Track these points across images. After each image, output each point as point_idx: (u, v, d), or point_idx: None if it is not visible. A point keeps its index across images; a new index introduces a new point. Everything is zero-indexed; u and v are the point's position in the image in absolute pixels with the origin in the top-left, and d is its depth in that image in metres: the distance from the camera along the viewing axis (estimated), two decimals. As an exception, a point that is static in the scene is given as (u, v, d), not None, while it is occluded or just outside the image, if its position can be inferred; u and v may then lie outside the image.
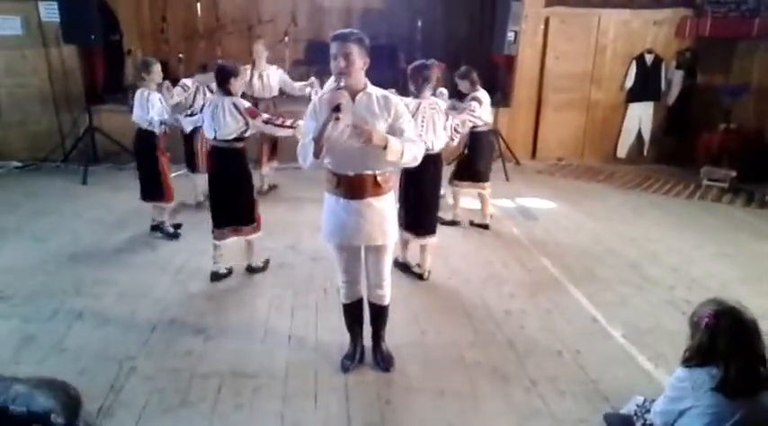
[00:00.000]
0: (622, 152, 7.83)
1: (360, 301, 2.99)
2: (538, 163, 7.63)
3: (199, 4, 8.52)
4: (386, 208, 2.71)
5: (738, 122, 6.94)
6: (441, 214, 4.56)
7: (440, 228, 4.99)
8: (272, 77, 5.71)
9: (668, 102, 7.72)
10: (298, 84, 5.69)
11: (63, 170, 6.62)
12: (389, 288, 2.91)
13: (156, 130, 4.43)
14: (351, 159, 2.56)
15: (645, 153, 7.82)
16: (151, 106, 4.35)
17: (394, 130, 2.55)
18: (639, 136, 7.78)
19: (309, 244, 4.52)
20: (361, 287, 2.94)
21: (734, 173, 6.49)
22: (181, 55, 7.55)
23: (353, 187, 2.61)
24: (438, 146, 3.94)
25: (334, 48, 2.46)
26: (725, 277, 4.25)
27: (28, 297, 3.66)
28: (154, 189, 4.61)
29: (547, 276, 4.23)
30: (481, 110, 4.69)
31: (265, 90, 5.69)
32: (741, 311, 1.96)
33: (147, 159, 4.56)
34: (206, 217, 4.05)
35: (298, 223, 5.04)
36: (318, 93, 4.42)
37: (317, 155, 2.45)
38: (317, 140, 2.43)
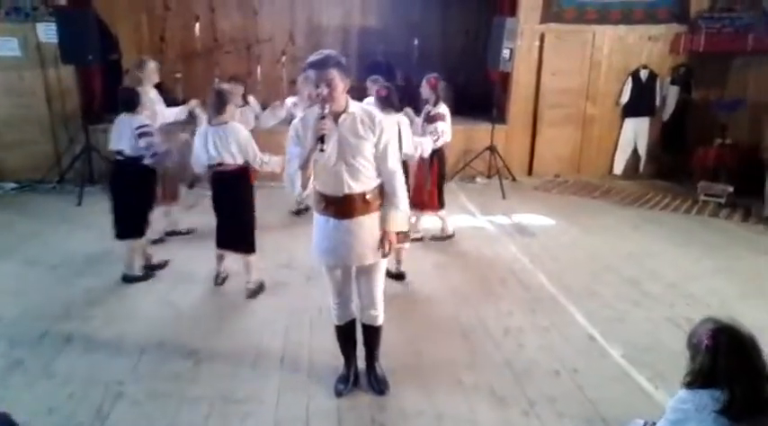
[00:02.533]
0: (619, 168, 7.82)
1: (352, 322, 2.94)
2: (534, 179, 7.62)
3: (197, 24, 8.61)
4: (376, 225, 2.68)
5: (734, 137, 6.93)
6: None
7: (433, 246, 5.01)
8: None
9: (664, 118, 7.73)
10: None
11: (58, 191, 6.60)
12: (382, 309, 2.87)
13: (153, 156, 3.92)
14: (338, 182, 2.55)
15: (641, 168, 7.81)
16: (143, 119, 3.97)
17: (379, 147, 2.56)
18: (635, 151, 7.78)
19: (303, 261, 4.47)
20: (353, 307, 2.90)
21: (731, 189, 6.47)
22: (178, 74, 7.59)
23: (343, 207, 2.59)
24: (404, 152, 3.97)
25: (313, 75, 2.44)
26: (724, 293, 4.20)
27: (16, 320, 3.62)
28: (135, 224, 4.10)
29: (545, 293, 4.18)
30: (447, 128, 4.72)
31: None
32: (738, 329, 1.91)
33: (134, 192, 4.03)
34: (195, 239, 4.06)
35: (291, 240, 4.98)
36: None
37: (304, 185, 2.51)
38: (304, 169, 2.47)
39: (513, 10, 7.32)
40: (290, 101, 5.53)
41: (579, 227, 5.69)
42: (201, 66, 8.63)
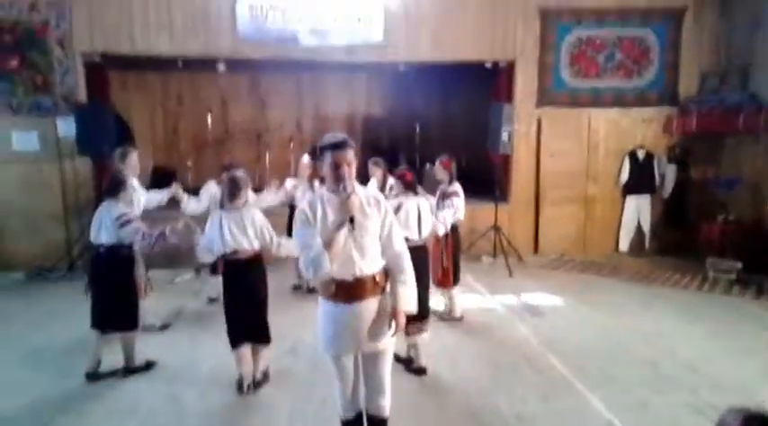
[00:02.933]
0: (624, 245, 7.83)
1: (360, 415, 2.82)
2: (540, 258, 7.62)
3: (210, 116, 9.06)
4: (384, 307, 2.66)
5: (736, 213, 6.99)
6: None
7: (442, 329, 4.91)
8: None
9: (664, 195, 7.85)
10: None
11: (68, 279, 6.61)
12: (390, 397, 2.77)
13: (137, 244, 3.87)
14: (349, 263, 2.55)
15: (647, 245, 7.82)
16: (128, 206, 4.03)
17: (385, 229, 2.61)
18: (639, 228, 7.83)
19: (309, 347, 4.39)
20: (360, 399, 2.80)
21: (740, 265, 6.42)
22: (189, 163, 7.86)
23: (354, 290, 2.57)
24: (425, 234, 4.17)
25: (334, 156, 2.52)
26: (746, 375, 4.05)
27: (12, 419, 3.49)
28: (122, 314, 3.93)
29: (558, 377, 4.04)
30: (461, 205, 4.92)
31: None
32: None
33: (115, 282, 3.91)
34: (197, 321, 3.98)
35: (296, 323, 4.85)
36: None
37: (331, 263, 2.47)
38: (330, 248, 2.46)
39: (509, 96, 7.69)
40: (289, 183, 5.67)
41: (589, 306, 5.60)
42: (212, 155, 8.97)
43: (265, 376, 3.94)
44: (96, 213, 3.94)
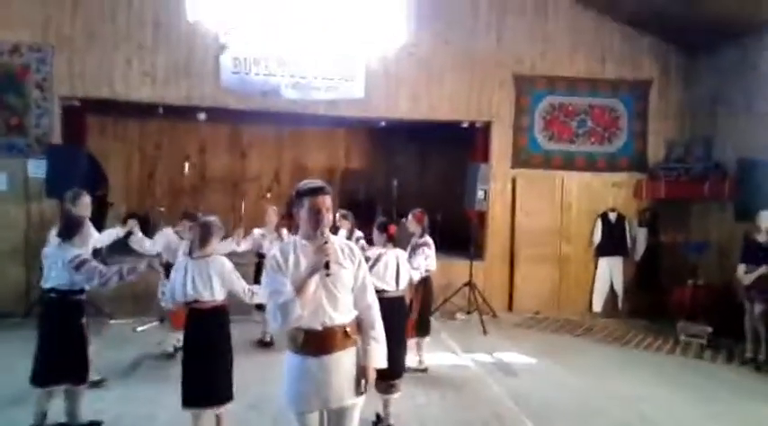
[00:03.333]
0: (597, 306, 7.85)
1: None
2: (515, 316, 7.56)
3: (187, 163, 9.03)
4: (355, 361, 2.54)
5: (706, 278, 7.11)
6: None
7: (412, 386, 4.75)
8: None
9: (636, 258, 7.97)
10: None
11: (23, 325, 6.24)
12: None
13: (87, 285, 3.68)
14: (319, 312, 2.45)
15: (620, 307, 7.85)
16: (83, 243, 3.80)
17: (358, 280, 2.55)
18: (612, 290, 7.88)
19: (273, 401, 4.15)
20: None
21: (710, 329, 6.46)
22: (162, 208, 7.72)
23: (321, 342, 2.45)
24: (402, 285, 4.16)
25: (312, 201, 2.45)
26: (720, 440, 3.97)
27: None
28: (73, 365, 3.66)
29: (531, 440, 3.90)
30: (432, 256, 5.01)
31: None
32: None
33: (66, 329, 3.68)
34: (158, 372, 3.73)
35: (258, 376, 4.62)
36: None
37: (302, 308, 2.35)
38: (302, 294, 2.36)
39: (485, 155, 7.88)
40: (257, 231, 5.67)
41: (563, 367, 5.51)
42: (187, 202, 8.86)
43: None
44: (46, 255, 3.71)
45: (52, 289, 3.64)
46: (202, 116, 8.40)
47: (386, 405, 3.96)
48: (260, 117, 8.43)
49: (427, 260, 4.88)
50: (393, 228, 4.22)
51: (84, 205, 4.44)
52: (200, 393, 3.48)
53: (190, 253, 3.64)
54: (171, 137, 9.39)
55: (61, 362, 3.61)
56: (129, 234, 5.11)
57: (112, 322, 6.22)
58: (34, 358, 3.66)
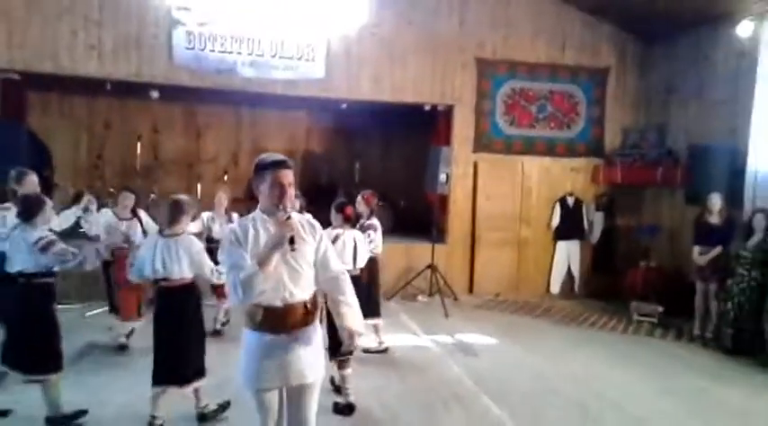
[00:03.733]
0: (555, 288, 8.01)
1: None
2: (475, 298, 7.62)
3: (139, 143, 8.64)
4: (314, 339, 2.49)
5: (658, 260, 7.34)
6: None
7: (372, 368, 4.72)
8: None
9: (592, 241, 8.15)
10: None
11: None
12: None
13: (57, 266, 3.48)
14: (280, 287, 2.36)
15: (576, 288, 8.03)
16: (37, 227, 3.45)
17: (319, 253, 2.49)
18: (570, 272, 8.04)
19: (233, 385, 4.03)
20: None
21: (661, 309, 6.68)
22: (112, 189, 7.37)
23: (281, 319, 2.37)
24: (360, 264, 4.31)
25: (275, 174, 2.36)
26: (671, 415, 4.09)
27: None
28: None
29: (491, 419, 3.92)
30: (379, 239, 5.02)
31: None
32: None
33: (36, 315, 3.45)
34: (107, 358, 3.55)
35: (219, 361, 4.52)
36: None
37: (265, 282, 2.27)
38: (265, 267, 2.26)
39: (447, 140, 7.85)
40: (206, 215, 5.54)
41: (522, 347, 5.58)
42: (140, 184, 8.47)
43: (223, 406, 3.68)
44: (9, 241, 3.46)
45: (19, 274, 3.37)
46: (155, 94, 8.01)
47: (343, 381, 3.94)
48: (216, 96, 8.12)
49: (372, 243, 4.81)
50: (350, 209, 4.28)
51: (31, 184, 4.12)
52: (170, 370, 3.43)
53: (160, 231, 3.62)
54: (121, 115, 8.94)
55: (32, 352, 3.39)
56: (85, 209, 4.82)
57: (60, 307, 5.87)
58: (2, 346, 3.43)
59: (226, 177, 8.79)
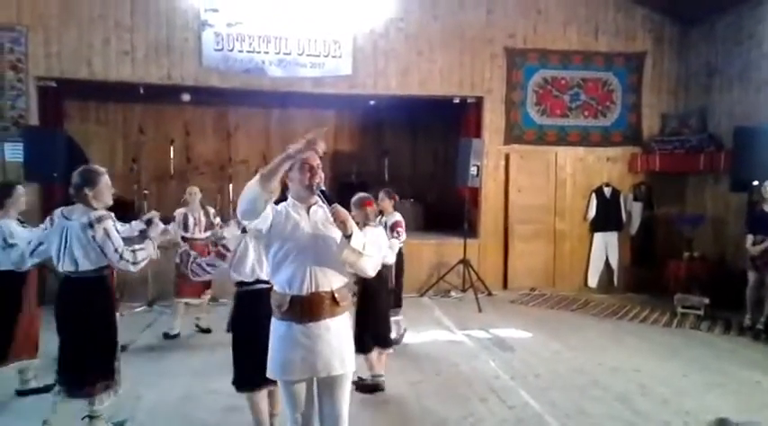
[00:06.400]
0: (593, 281, 7.77)
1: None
2: (510, 293, 7.46)
3: (172, 147, 8.81)
4: (344, 330, 2.44)
5: (701, 250, 7.03)
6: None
7: (408, 364, 4.65)
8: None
9: (631, 232, 7.88)
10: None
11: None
12: (348, 433, 2.48)
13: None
14: (306, 277, 2.33)
15: (615, 282, 7.77)
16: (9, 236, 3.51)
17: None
18: (608, 265, 7.79)
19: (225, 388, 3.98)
20: (315, 431, 2.51)
21: (707, 300, 6.38)
22: (146, 191, 7.53)
23: (309, 307, 2.34)
24: (390, 260, 4.32)
25: (308, 159, 2.35)
26: (720, 408, 3.87)
27: None
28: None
29: (530, 413, 3.79)
30: (403, 233, 4.92)
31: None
32: None
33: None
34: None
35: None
36: None
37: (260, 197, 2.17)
38: (268, 171, 2.17)
39: (478, 131, 7.71)
40: (179, 212, 5.39)
41: (559, 341, 5.42)
42: (174, 187, 8.64)
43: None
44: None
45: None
46: (186, 97, 8.19)
47: (370, 366, 4.05)
48: (246, 97, 8.22)
49: (399, 239, 4.80)
50: (371, 203, 4.13)
51: (19, 196, 3.79)
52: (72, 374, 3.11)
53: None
54: (155, 120, 9.14)
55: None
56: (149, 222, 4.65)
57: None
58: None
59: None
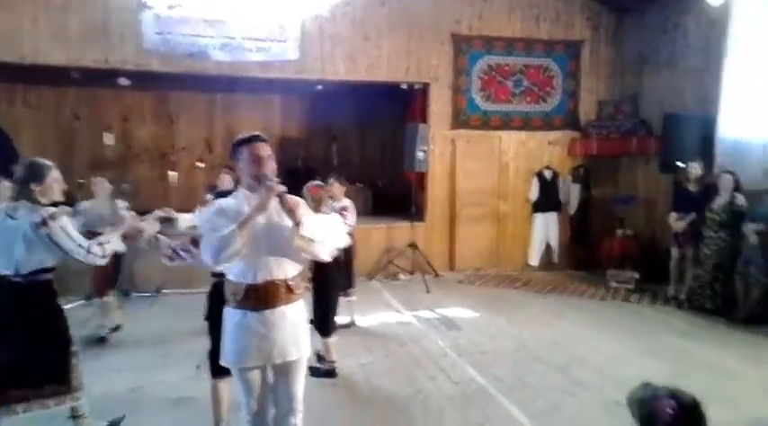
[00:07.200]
0: (535, 260, 8.12)
1: (269, 435, 2.58)
2: (457, 274, 7.70)
3: (108, 134, 8.47)
4: (299, 316, 2.50)
5: (633, 229, 7.50)
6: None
7: (357, 345, 4.76)
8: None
9: (570, 213, 8.27)
10: None
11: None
12: (301, 417, 2.56)
13: None
14: (260, 266, 2.37)
15: (555, 260, 8.16)
16: None
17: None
18: (548, 244, 8.16)
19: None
20: (269, 420, 2.56)
21: (637, 275, 6.85)
22: (81, 180, 7.23)
23: (264, 296, 2.37)
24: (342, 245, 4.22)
25: (253, 148, 2.39)
26: (649, 374, 4.16)
27: None
28: None
29: (475, 387, 3.99)
30: (352, 217, 4.96)
31: None
32: (692, 397, 1.82)
33: None
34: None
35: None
36: None
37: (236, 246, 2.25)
38: (244, 227, 2.27)
39: (424, 117, 7.84)
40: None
41: (504, 318, 5.68)
42: (112, 174, 8.32)
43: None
44: None
45: None
46: (125, 81, 7.86)
47: (327, 349, 4.15)
48: (188, 81, 7.97)
49: (348, 224, 4.79)
50: (316, 191, 4.14)
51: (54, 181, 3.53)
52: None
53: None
54: (90, 105, 8.74)
55: None
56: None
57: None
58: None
59: (202, 164, 8.67)
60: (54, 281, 2.93)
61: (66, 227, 2.84)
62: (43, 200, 2.86)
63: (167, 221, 3.66)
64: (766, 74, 5.83)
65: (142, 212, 3.56)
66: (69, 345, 2.95)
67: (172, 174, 8.31)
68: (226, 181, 5.19)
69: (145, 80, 7.76)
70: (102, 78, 7.58)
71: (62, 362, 2.89)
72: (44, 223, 2.76)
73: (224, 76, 7.30)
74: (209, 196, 5.19)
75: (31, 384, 2.81)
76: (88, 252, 2.85)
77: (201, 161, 8.77)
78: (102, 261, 2.94)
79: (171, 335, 4.99)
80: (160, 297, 6.30)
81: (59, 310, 2.96)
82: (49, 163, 2.96)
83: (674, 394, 1.83)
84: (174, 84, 8.46)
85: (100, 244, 2.91)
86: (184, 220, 3.92)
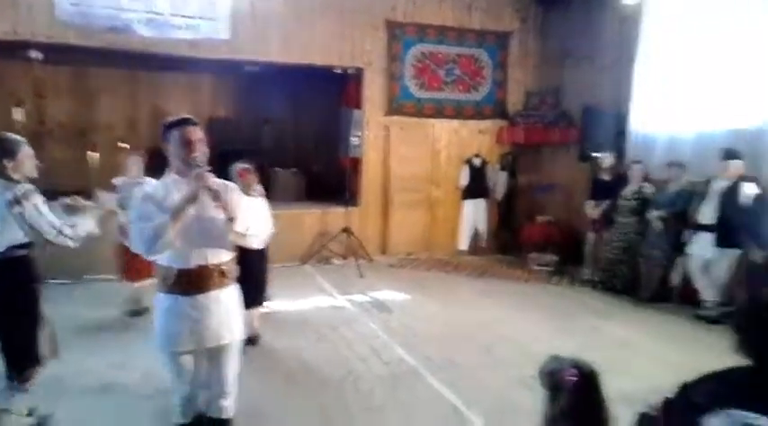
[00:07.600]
0: (464, 244, 8.42)
1: (200, 419, 2.60)
2: (389, 258, 7.87)
3: (20, 109, 7.86)
4: (231, 300, 2.51)
5: (553, 215, 7.96)
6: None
7: (291, 330, 4.80)
8: None
9: (497, 199, 8.63)
10: None
11: None
12: (234, 398, 2.58)
13: None
14: (192, 247, 2.35)
15: (483, 244, 8.50)
16: None
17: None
18: (476, 230, 8.49)
19: (143, 359, 3.95)
20: (200, 401, 2.58)
21: (556, 258, 7.31)
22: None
23: (197, 280, 2.37)
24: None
25: (183, 131, 2.35)
26: (563, 350, 4.48)
27: None
28: None
29: (405, 368, 4.15)
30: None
31: None
32: (591, 366, 2.01)
33: None
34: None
35: (128, 336, 4.43)
36: None
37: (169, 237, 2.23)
38: (176, 219, 2.24)
39: (359, 103, 7.86)
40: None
41: (434, 300, 5.90)
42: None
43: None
44: None
45: None
46: (36, 53, 7.29)
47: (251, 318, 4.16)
48: (110, 58, 7.52)
49: None
50: (245, 174, 4.12)
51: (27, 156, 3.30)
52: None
53: None
54: (-2, 78, 8.06)
55: None
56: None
57: None
58: None
59: (125, 145, 8.23)
60: (31, 257, 2.87)
61: (40, 207, 2.79)
62: (16, 176, 2.78)
63: (73, 210, 3.47)
64: (675, 73, 6.31)
65: (58, 194, 3.39)
66: (36, 323, 2.91)
67: (92, 155, 7.86)
68: (134, 167, 4.97)
69: (60, 53, 7.24)
70: (10, 50, 6.99)
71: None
72: (17, 201, 2.72)
73: (149, 53, 6.96)
74: (116, 180, 4.99)
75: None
76: (59, 233, 2.80)
77: (124, 141, 8.33)
78: (73, 244, 2.88)
79: (94, 322, 4.81)
80: (80, 284, 6.01)
81: (33, 288, 2.91)
82: (20, 138, 2.89)
83: (577, 365, 2.03)
84: (95, 60, 7.96)
85: (73, 226, 2.86)
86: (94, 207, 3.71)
